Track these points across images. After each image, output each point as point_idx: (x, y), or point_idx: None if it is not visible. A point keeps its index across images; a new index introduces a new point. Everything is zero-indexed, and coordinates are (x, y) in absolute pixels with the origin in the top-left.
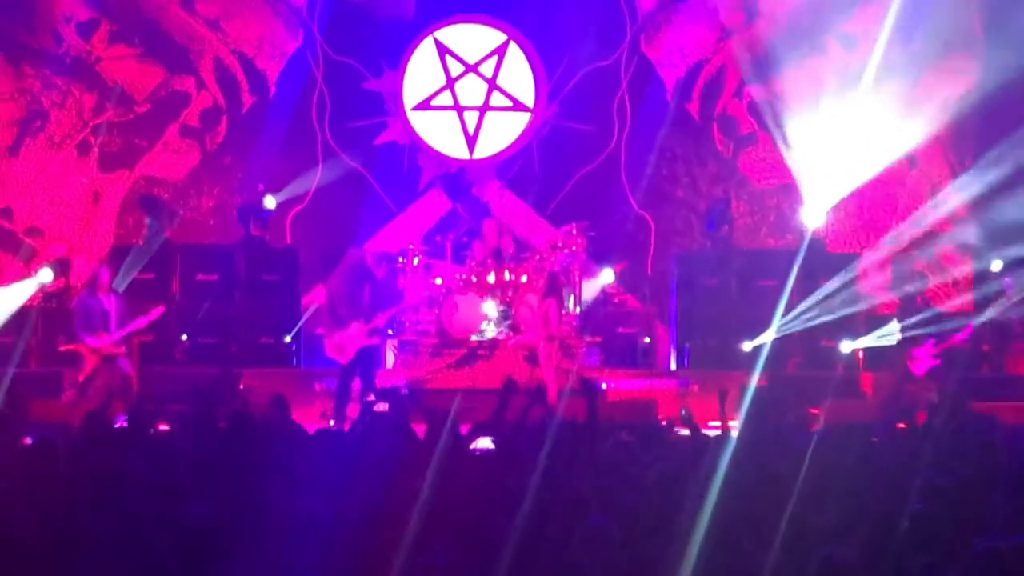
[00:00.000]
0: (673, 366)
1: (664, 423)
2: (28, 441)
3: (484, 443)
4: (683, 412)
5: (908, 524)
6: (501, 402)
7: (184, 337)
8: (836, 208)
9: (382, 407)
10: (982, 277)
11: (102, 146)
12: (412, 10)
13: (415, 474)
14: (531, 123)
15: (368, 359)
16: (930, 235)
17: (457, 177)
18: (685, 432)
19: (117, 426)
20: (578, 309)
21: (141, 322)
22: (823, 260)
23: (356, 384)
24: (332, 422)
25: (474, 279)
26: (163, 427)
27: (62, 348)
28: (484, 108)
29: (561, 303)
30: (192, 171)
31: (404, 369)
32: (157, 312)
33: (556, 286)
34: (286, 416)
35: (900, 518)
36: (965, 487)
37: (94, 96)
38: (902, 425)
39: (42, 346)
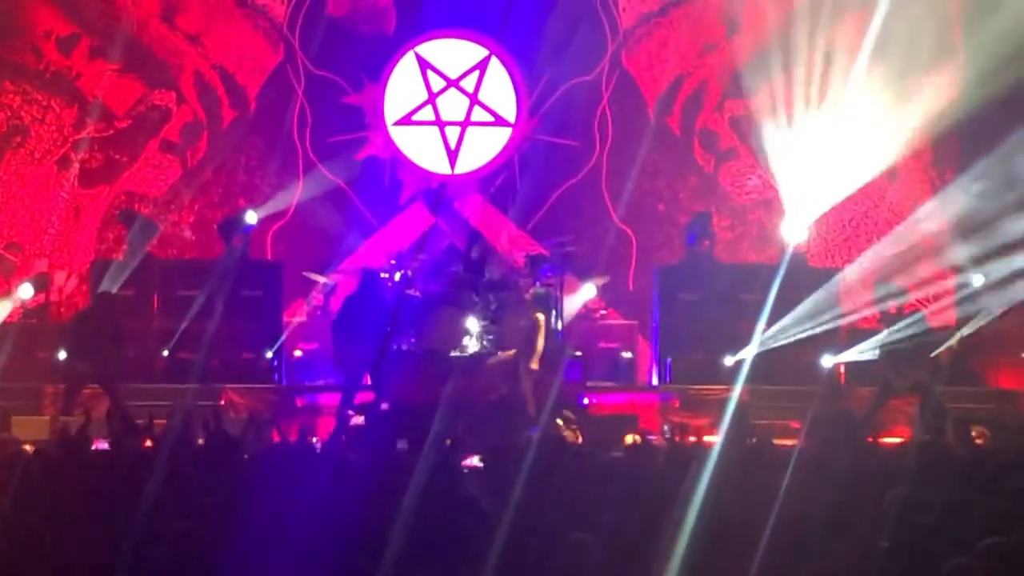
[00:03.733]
0: (655, 381)
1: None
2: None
3: (472, 460)
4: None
5: (888, 541)
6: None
7: (165, 353)
8: (818, 223)
9: (358, 420)
10: (964, 291)
11: (82, 161)
12: (393, 25)
13: (396, 490)
14: (512, 138)
15: (374, 376)
16: (911, 249)
17: (439, 192)
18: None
19: (95, 445)
20: (560, 324)
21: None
22: (805, 274)
23: (358, 399)
24: (314, 439)
25: (456, 294)
26: (144, 443)
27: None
28: (466, 123)
29: (548, 321)
30: (172, 186)
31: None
32: None
33: (547, 304)
34: (264, 436)
35: (881, 533)
36: (947, 501)
37: (74, 111)
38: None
39: (22, 362)
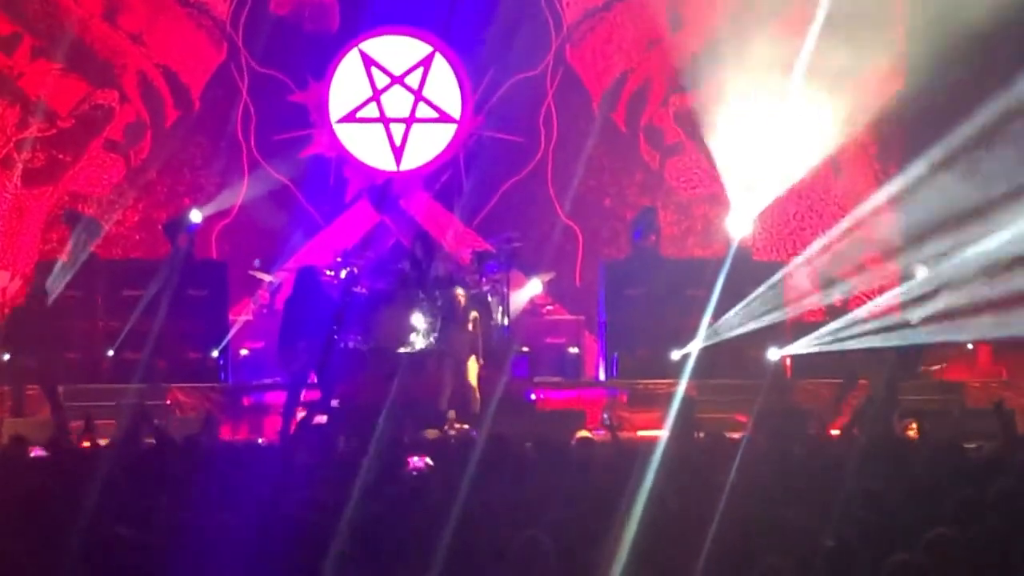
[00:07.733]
0: (602, 376)
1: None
2: None
3: (421, 460)
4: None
5: (835, 535)
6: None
7: (110, 353)
8: (763, 217)
9: (321, 419)
10: (907, 283)
11: (26, 162)
12: (337, 22)
13: (345, 488)
14: (458, 134)
15: (321, 374)
16: (856, 242)
17: (384, 189)
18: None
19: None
20: (506, 320)
21: None
22: (750, 268)
23: (304, 398)
24: (260, 440)
25: (402, 291)
26: (87, 444)
27: None
28: (410, 120)
29: (488, 317)
30: (117, 186)
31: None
32: None
33: (483, 301)
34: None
35: (828, 527)
36: (889, 496)
37: (17, 111)
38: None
39: None
